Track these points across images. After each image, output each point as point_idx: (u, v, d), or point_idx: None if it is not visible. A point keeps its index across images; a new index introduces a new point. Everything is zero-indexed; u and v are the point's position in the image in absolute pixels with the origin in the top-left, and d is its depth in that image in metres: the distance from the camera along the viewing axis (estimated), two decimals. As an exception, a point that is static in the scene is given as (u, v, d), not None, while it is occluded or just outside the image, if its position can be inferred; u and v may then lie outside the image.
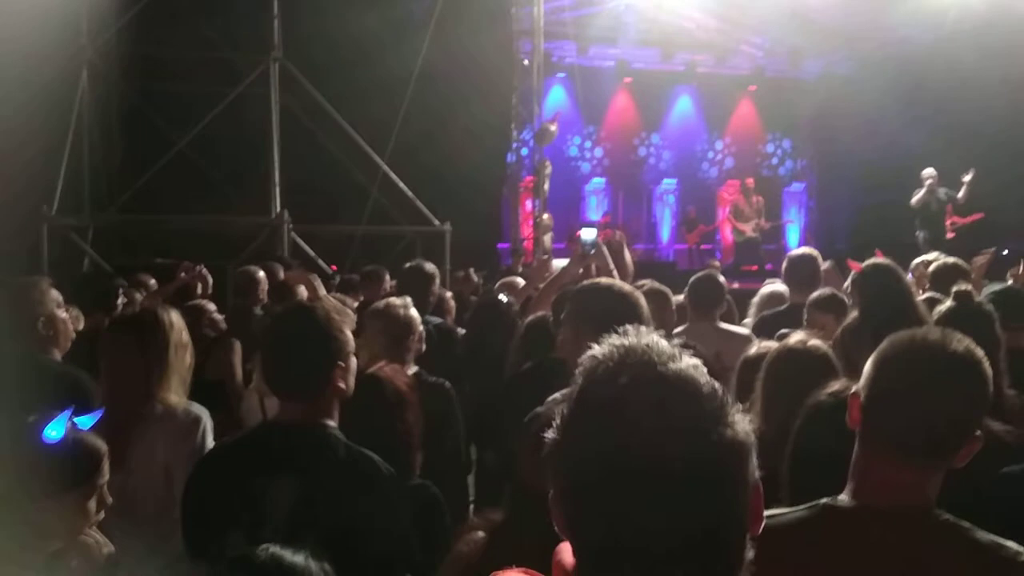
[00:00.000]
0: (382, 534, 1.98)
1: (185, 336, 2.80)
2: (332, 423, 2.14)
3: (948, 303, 2.96)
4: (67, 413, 1.88)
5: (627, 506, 0.93)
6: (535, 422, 1.95)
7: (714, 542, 0.95)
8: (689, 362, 0.99)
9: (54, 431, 1.85)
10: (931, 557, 1.38)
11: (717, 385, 0.98)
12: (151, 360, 2.64)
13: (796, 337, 2.33)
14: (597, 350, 1.02)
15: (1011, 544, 1.39)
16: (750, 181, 14.99)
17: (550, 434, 1.02)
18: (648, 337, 1.01)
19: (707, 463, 0.93)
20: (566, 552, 1.04)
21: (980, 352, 1.54)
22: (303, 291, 4.89)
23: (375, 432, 2.40)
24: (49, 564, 1.83)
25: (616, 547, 0.94)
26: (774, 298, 4.64)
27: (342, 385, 2.14)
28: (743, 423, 0.97)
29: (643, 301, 2.53)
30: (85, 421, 1.92)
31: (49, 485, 1.84)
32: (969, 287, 3.01)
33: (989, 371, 1.53)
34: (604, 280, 2.82)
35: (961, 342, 1.54)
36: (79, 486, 1.91)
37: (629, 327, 1.04)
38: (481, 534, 1.85)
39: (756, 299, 4.89)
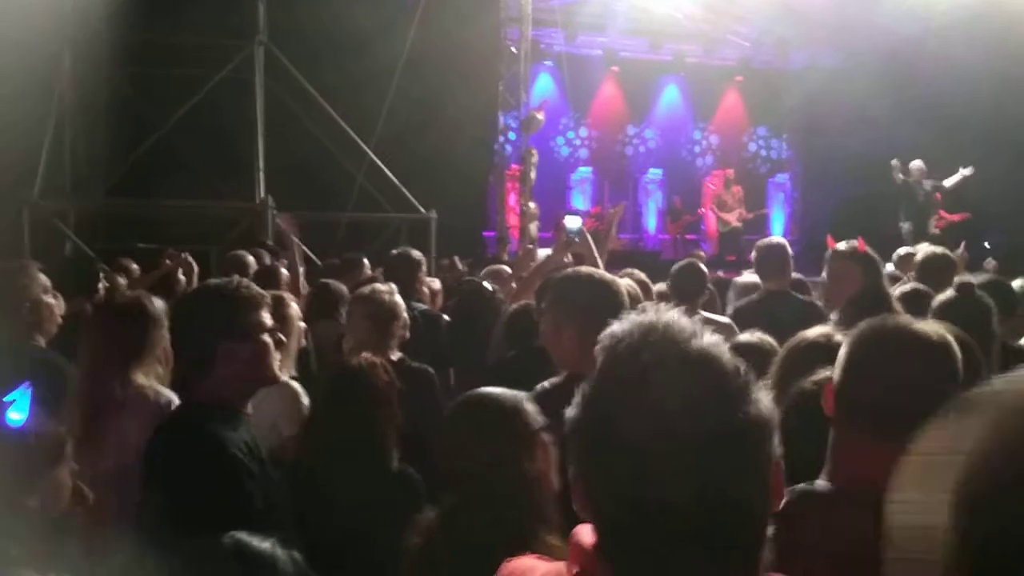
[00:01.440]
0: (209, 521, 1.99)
1: (164, 325, 2.80)
2: (240, 403, 2.15)
3: (949, 293, 2.97)
4: (27, 393, 1.85)
5: (651, 484, 0.93)
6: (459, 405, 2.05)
7: (737, 519, 0.95)
8: (711, 340, 0.99)
9: (17, 412, 1.82)
10: None
11: (740, 362, 0.98)
12: (133, 346, 2.65)
13: (818, 331, 2.32)
14: (617, 327, 1.02)
15: None
16: (730, 172, 15.04)
17: (570, 412, 1.02)
18: (668, 315, 1.01)
19: (731, 441, 0.93)
20: (584, 533, 1.04)
21: (948, 335, 1.56)
22: (286, 276, 4.88)
23: (350, 423, 2.41)
24: (45, 543, 1.82)
25: (639, 525, 0.95)
26: (752, 287, 4.66)
27: (237, 364, 2.10)
28: (766, 400, 0.97)
29: (623, 289, 2.53)
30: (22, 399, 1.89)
31: (29, 468, 1.83)
32: (971, 279, 3.03)
33: (957, 352, 1.55)
34: (584, 269, 2.82)
35: (929, 324, 1.57)
36: (56, 462, 1.90)
37: (648, 305, 1.04)
38: (430, 521, 1.90)
39: (731, 291, 4.92)
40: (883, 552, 1.36)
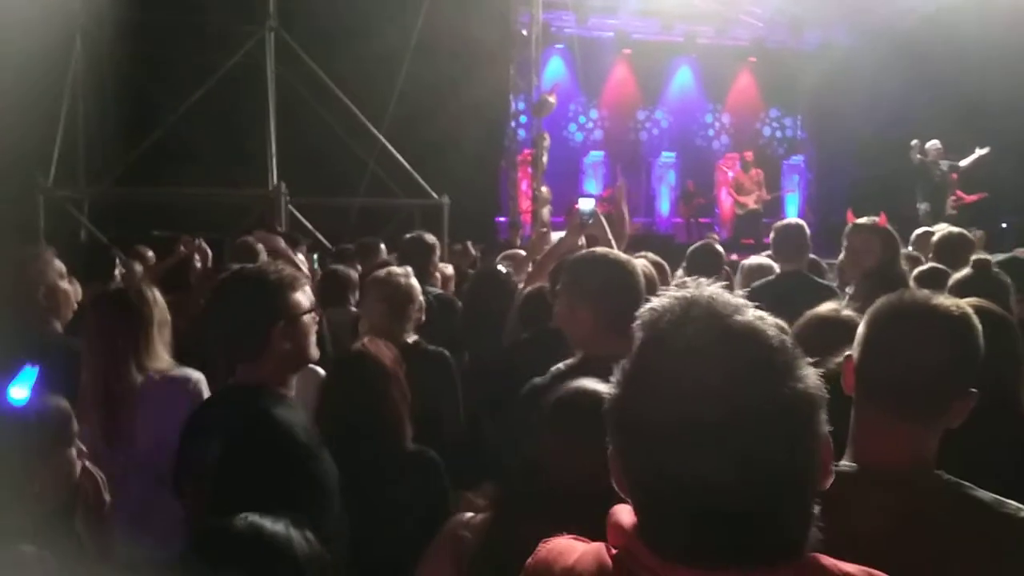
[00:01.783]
0: (282, 502, 1.99)
1: (165, 312, 2.83)
2: (283, 387, 2.14)
3: (965, 271, 2.95)
4: (33, 374, 1.86)
5: (696, 461, 0.91)
6: (533, 394, 1.91)
7: (784, 497, 0.93)
8: (756, 314, 0.97)
9: (20, 391, 1.82)
10: (931, 516, 1.38)
11: (786, 338, 0.96)
12: (136, 335, 2.67)
13: (828, 306, 2.30)
14: (656, 302, 1.00)
15: (1011, 502, 1.40)
16: (748, 154, 14.92)
17: (610, 388, 1.00)
18: (709, 289, 0.99)
19: (778, 417, 0.91)
20: (623, 512, 1.02)
21: (968, 309, 1.54)
22: (301, 260, 4.88)
23: (360, 408, 2.41)
24: (48, 522, 1.83)
25: (681, 500, 0.93)
26: (758, 270, 4.63)
27: (285, 346, 2.11)
28: (813, 376, 0.95)
29: (639, 270, 2.51)
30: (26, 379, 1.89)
31: (37, 446, 1.84)
32: (987, 256, 3.00)
33: (978, 327, 1.52)
34: (599, 250, 2.80)
35: (948, 299, 1.54)
36: (58, 443, 1.91)
37: (688, 280, 1.02)
38: (479, 516, 1.83)
39: (739, 275, 4.88)
40: (908, 530, 1.35)
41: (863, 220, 3.72)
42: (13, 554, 1.64)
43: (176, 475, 2.21)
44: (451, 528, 1.84)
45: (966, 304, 1.56)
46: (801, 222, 4.54)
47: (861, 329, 1.56)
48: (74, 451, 1.96)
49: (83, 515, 2.04)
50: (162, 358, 2.72)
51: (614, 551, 1.02)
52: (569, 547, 1.12)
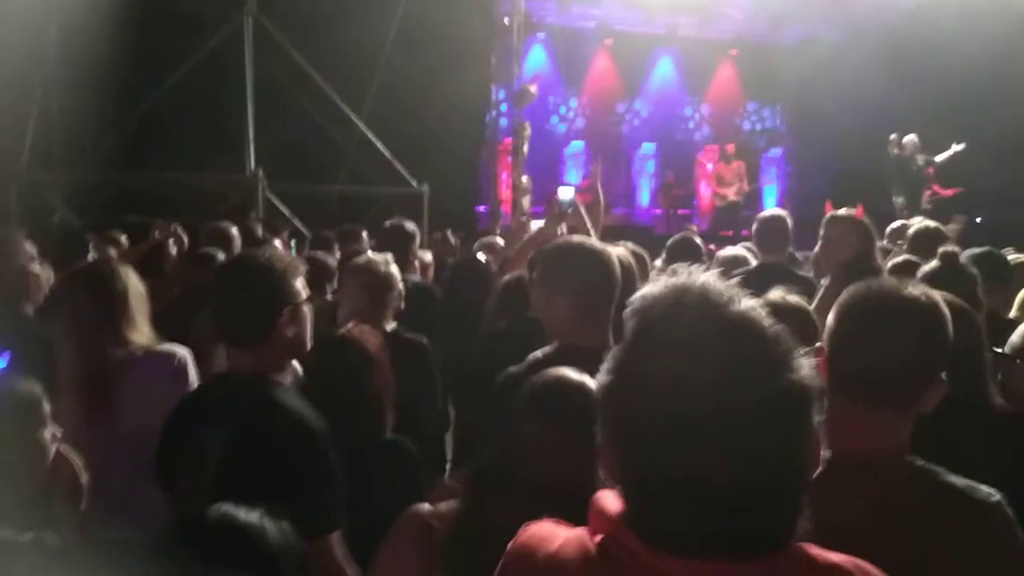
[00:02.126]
0: (306, 489, 1.97)
1: (140, 286, 2.79)
2: (280, 375, 2.13)
3: (933, 263, 2.99)
4: (2, 357, 1.83)
5: (688, 449, 0.90)
6: (509, 383, 1.91)
7: (776, 487, 0.93)
8: (750, 304, 0.96)
9: None
10: (905, 503, 1.39)
11: (781, 329, 0.96)
12: (113, 308, 2.63)
13: (776, 293, 2.33)
14: (648, 289, 0.99)
15: (983, 487, 1.41)
16: (730, 146, 14.98)
17: (601, 377, 0.99)
18: (703, 277, 0.98)
19: (773, 409, 0.91)
20: (608, 499, 1.02)
21: (936, 296, 1.54)
22: (277, 243, 4.84)
23: (343, 394, 2.40)
24: (28, 512, 1.80)
25: (673, 490, 0.92)
26: (733, 261, 4.64)
27: (288, 333, 2.11)
28: (807, 368, 0.94)
29: (615, 260, 2.51)
30: None
31: (8, 429, 1.81)
32: (955, 248, 3.04)
33: (947, 315, 1.53)
34: (575, 238, 2.80)
35: (917, 288, 1.55)
36: (32, 421, 1.89)
37: (680, 266, 1.01)
38: (446, 505, 1.81)
39: (714, 266, 4.88)
40: (883, 518, 1.36)
41: (841, 212, 3.75)
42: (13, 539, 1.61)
43: (163, 465, 2.17)
44: (413, 517, 1.82)
45: (935, 293, 1.57)
46: (784, 214, 4.56)
47: (831, 320, 1.56)
48: (48, 434, 1.94)
49: (60, 499, 2.01)
50: (143, 332, 2.67)
51: (598, 538, 1.01)
52: (551, 533, 1.11)
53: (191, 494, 1.98)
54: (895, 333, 1.49)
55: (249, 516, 1.38)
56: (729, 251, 4.90)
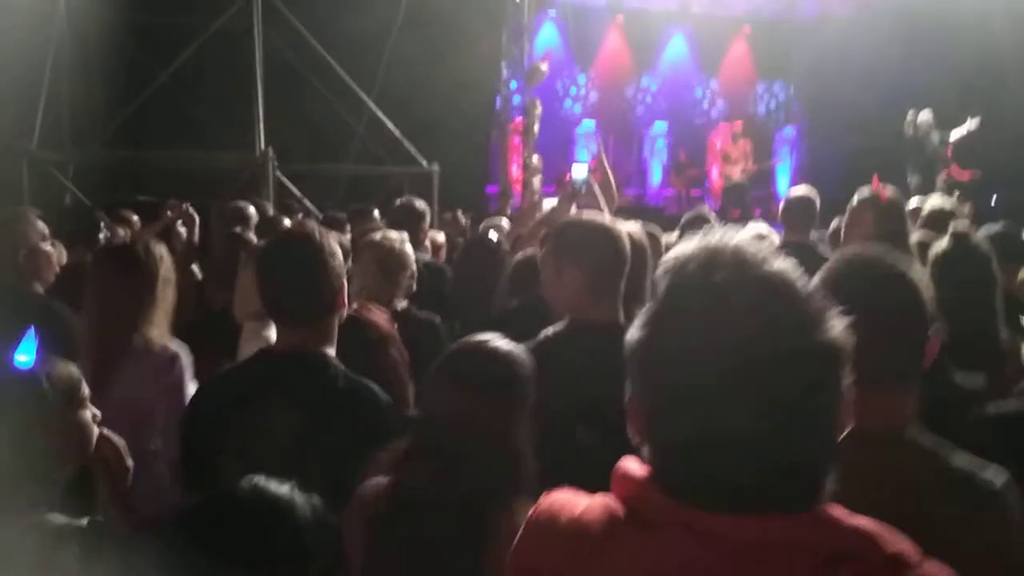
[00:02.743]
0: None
1: (172, 273, 2.76)
2: (331, 350, 2.11)
3: (945, 242, 2.95)
4: (31, 338, 1.81)
5: (721, 405, 0.91)
6: (443, 358, 1.92)
7: (810, 444, 0.94)
8: (785, 264, 0.97)
9: (25, 355, 1.78)
10: (908, 478, 1.38)
11: (815, 288, 0.97)
12: (140, 292, 2.60)
13: None
14: (679, 249, 0.99)
15: (988, 473, 1.40)
16: (737, 125, 14.85)
17: (633, 333, 0.99)
18: (736, 237, 0.98)
19: (806, 366, 0.92)
20: (631, 464, 1.02)
21: (902, 266, 1.52)
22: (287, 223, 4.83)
23: (359, 371, 2.38)
24: (73, 495, 1.79)
25: (705, 446, 0.93)
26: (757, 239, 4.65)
27: (344, 310, 2.16)
28: (841, 327, 0.95)
29: (624, 235, 2.51)
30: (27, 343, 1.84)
31: (44, 410, 1.79)
32: (967, 226, 3.00)
33: (917, 279, 1.52)
34: (586, 214, 2.80)
35: (883, 258, 1.53)
36: (72, 401, 1.87)
37: (710, 228, 1.01)
38: (382, 478, 1.81)
39: None
40: (884, 489, 1.35)
41: (864, 191, 3.68)
42: (44, 524, 1.61)
43: (199, 452, 2.12)
44: (360, 493, 1.82)
45: (903, 258, 1.54)
46: (811, 193, 4.54)
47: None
48: (89, 414, 1.92)
49: (105, 483, 2.00)
50: (158, 323, 2.64)
51: (621, 502, 1.02)
52: (571, 500, 1.11)
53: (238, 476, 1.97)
54: (877, 319, 1.46)
55: (280, 489, 1.37)
56: (753, 228, 4.91)
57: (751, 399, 0.90)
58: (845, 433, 1.40)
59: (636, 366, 0.99)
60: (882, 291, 1.48)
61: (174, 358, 2.62)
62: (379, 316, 2.50)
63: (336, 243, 2.18)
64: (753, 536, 0.92)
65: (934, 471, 1.40)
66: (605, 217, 2.79)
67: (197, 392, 2.29)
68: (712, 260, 0.95)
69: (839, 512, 0.96)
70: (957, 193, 9.17)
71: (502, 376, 1.78)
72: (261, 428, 1.95)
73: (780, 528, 0.92)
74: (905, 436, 1.44)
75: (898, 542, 0.95)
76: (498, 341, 1.82)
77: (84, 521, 1.70)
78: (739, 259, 0.95)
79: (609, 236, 2.46)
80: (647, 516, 0.97)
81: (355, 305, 2.62)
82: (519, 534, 1.14)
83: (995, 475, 1.39)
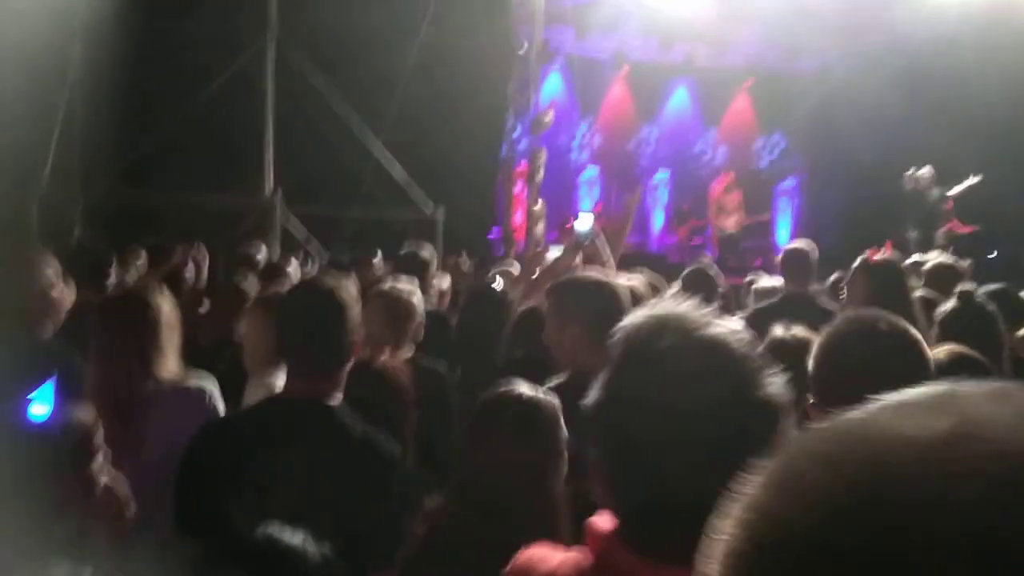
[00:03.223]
0: (382, 518, 1.97)
1: (174, 317, 2.78)
2: (339, 397, 2.14)
3: (952, 302, 2.98)
4: (50, 387, 1.83)
5: (669, 465, 0.96)
6: (481, 406, 1.95)
7: None
8: (724, 328, 1.03)
9: (41, 407, 1.81)
10: None
11: (752, 349, 1.03)
12: (144, 341, 2.62)
13: (780, 329, 2.34)
14: (634, 317, 1.06)
15: None
16: (730, 176, 15.00)
17: (592, 398, 1.06)
18: (683, 305, 1.06)
19: (745, 425, 0.97)
20: (602, 520, 1.07)
21: (907, 326, 1.56)
22: (293, 270, 4.87)
23: (373, 419, 2.40)
24: (72, 543, 1.80)
25: (658, 506, 0.98)
26: (772, 292, 4.72)
27: (352, 361, 2.19)
28: (778, 384, 1.01)
29: (624, 293, 2.65)
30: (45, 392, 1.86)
31: (54, 463, 1.81)
32: (972, 286, 3.03)
33: (925, 351, 1.57)
34: (586, 274, 2.94)
35: (893, 322, 1.56)
36: (81, 457, 1.89)
37: (667, 297, 1.08)
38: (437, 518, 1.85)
39: (751, 296, 4.99)
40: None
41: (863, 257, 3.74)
42: (45, 573, 1.62)
43: (195, 493, 2.11)
44: None
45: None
46: (808, 246, 4.60)
47: (817, 368, 1.57)
48: (97, 465, 1.94)
49: (106, 529, 2.01)
50: (172, 365, 2.66)
51: (593, 556, 1.06)
52: (547, 554, 1.16)
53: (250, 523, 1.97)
54: (888, 375, 1.49)
55: (293, 539, 1.40)
56: (767, 282, 5.04)
57: (698, 457, 0.95)
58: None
59: (594, 427, 1.04)
60: (885, 352, 1.51)
61: (202, 391, 2.65)
62: (402, 372, 2.54)
63: (353, 294, 2.22)
64: None
65: None
66: (603, 273, 2.90)
67: (199, 435, 2.28)
68: (659, 328, 1.02)
69: None
70: (951, 248, 9.22)
71: (542, 423, 1.83)
72: (272, 474, 1.95)
73: None
74: None
75: None
76: (532, 390, 1.86)
77: (87, 571, 1.70)
78: (682, 326, 1.01)
79: (607, 291, 2.60)
80: (615, 571, 1.01)
81: (384, 357, 2.65)
82: None
83: None
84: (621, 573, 1.00)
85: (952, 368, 1.84)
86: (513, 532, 1.69)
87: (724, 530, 0.56)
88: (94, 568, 1.74)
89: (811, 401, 1.56)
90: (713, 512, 0.93)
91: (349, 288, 2.22)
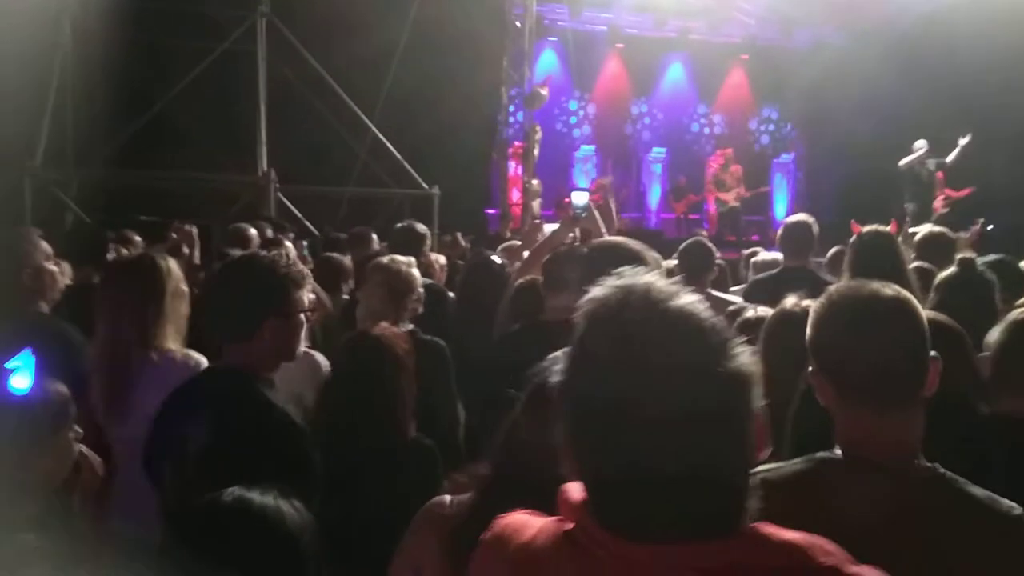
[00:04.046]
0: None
1: (183, 285, 2.77)
2: (266, 374, 2.14)
3: (951, 270, 2.97)
4: (30, 359, 1.82)
5: (634, 441, 0.95)
6: (535, 377, 1.94)
7: (721, 470, 0.97)
8: (690, 299, 1.00)
9: (21, 379, 1.80)
10: (925, 507, 1.40)
11: (719, 319, 1.00)
12: (149, 305, 2.62)
13: (792, 300, 2.33)
14: (597, 291, 1.03)
15: (1005, 500, 1.41)
16: (729, 151, 14.96)
17: (555, 376, 1.04)
18: (647, 276, 1.03)
19: (711, 398, 0.95)
20: (573, 489, 1.06)
21: (902, 292, 1.56)
22: (290, 247, 4.86)
23: (373, 394, 2.41)
24: (49, 508, 1.81)
25: (626, 479, 0.97)
26: (772, 264, 4.73)
27: (275, 341, 2.13)
28: (746, 355, 0.99)
29: (652, 260, 2.55)
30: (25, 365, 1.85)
31: (34, 435, 1.82)
32: (972, 255, 3.03)
33: (917, 304, 1.55)
34: (615, 239, 2.84)
35: (882, 287, 1.56)
36: (60, 424, 1.90)
37: (627, 268, 1.05)
38: (463, 496, 1.84)
39: (751, 269, 5.00)
40: (900, 518, 1.37)
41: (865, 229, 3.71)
42: (16, 544, 1.63)
43: (151, 457, 2.18)
44: (433, 506, 1.87)
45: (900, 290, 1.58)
46: (807, 220, 4.58)
47: (815, 336, 1.57)
48: (72, 435, 1.95)
49: (81, 496, 2.03)
50: (170, 336, 2.64)
51: (566, 526, 1.06)
52: (524, 523, 1.16)
53: (174, 486, 1.99)
54: (885, 336, 1.49)
55: (264, 498, 1.38)
56: (765, 255, 5.01)
57: (664, 430, 0.93)
58: (854, 460, 1.44)
59: (560, 403, 1.03)
60: (881, 321, 1.51)
61: (197, 366, 2.64)
62: (399, 341, 2.53)
63: (291, 275, 2.18)
64: (685, 562, 0.95)
65: (951, 501, 1.41)
66: (633, 242, 2.81)
67: (161, 403, 2.31)
68: (624, 301, 0.99)
69: (769, 529, 0.99)
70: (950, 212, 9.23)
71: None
72: (185, 438, 2.00)
73: (709, 553, 0.95)
74: (915, 462, 1.45)
75: (831, 553, 0.98)
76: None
77: (48, 539, 1.70)
78: (647, 299, 0.99)
79: (640, 261, 2.46)
80: (585, 545, 1.01)
81: (381, 326, 2.64)
82: (475, 556, 1.19)
83: (1011, 507, 1.40)
84: (591, 546, 1.00)
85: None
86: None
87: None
88: (55, 536, 1.73)
89: (810, 368, 1.56)
90: (681, 489, 0.93)
91: (277, 264, 2.18)
